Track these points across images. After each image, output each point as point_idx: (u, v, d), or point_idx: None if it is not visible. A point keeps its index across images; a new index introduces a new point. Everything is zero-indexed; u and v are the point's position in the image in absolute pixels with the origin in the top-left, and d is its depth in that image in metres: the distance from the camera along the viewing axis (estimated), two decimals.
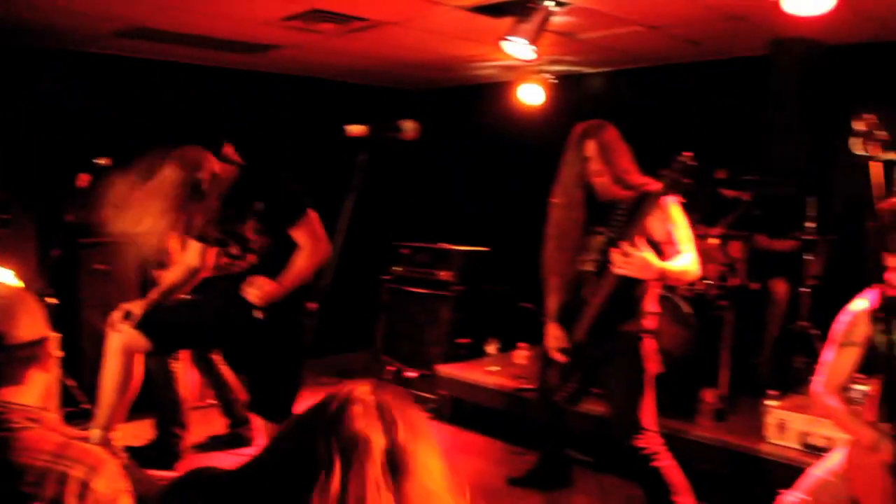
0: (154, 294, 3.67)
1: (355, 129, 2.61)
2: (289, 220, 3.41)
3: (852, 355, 2.91)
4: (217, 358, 4.78)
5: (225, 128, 5.44)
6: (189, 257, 3.72)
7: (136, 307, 3.55)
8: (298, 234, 3.41)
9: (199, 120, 6.08)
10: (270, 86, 6.94)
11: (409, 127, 2.75)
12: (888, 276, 2.93)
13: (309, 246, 3.40)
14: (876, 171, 1.94)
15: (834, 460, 2.99)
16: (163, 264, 4.88)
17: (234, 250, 3.50)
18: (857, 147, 1.96)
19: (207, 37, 5.51)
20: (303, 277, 3.44)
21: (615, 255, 3.16)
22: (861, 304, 2.91)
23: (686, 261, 3.34)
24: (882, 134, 1.95)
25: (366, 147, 2.61)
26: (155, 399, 4.38)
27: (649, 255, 3.17)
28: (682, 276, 3.34)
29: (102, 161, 4.45)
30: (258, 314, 3.38)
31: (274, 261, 3.44)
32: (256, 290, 3.34)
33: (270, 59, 6.33)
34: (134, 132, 5.69)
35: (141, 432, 4.53)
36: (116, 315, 3.57)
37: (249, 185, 3.44)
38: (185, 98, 6.25)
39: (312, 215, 3.44)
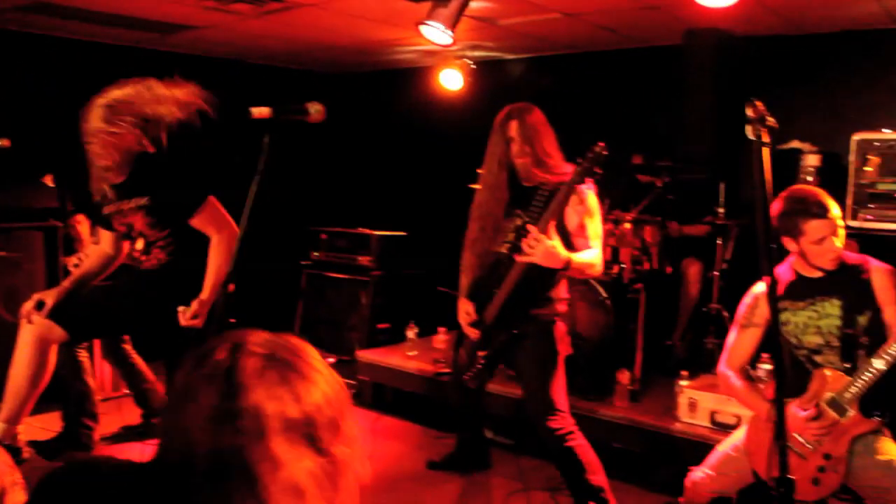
0: (67, 283, 3.54)
1: (259, 111, 2.55)
2: (186, 212, 3.31)
3: (753, 335, 3.03)
4: (128, 347, 4.65)
5: None
6: (104, 245, 3.59)
7: (49, 296, 3.42)
8: (201, 224, 3.31)
9: None
10: (184, 67, 6.72)
11: (315, 109, 2.70)
12: (787, 259, 3.06)
13: (215, 236, 3.30)
14: (766, 156, 2.00)
15: (738, 436, 3.10)
16: (74, 251, 4.74)
17: (140, 244, 3.39)
18: (750, 133, 2.02)
19: (118, 15, 5.33)
20: (224, 272, 3.33)
21: (523, 242, 3.20)
22: (762, 286, 3.03)
23: (592, 255, 3.40)
24: (771, 121, 2.02)
25: (270, 129, 2.55)
26: (62, 390, 4.23)
27: (556, 244, 3.21)
28: (586, 269, 3.39)
29: (1, 143, 4.26)
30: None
31: (185, 253, 3.35)
32: (195, 318, 3.24)
33: (184, 40, 6.17)
34: (37, 112, 5.50)
35: (48, 425, 4.39)
36: (28, 305, 3.43)
37: (139, 178, 3.32)
38: (93, 78, 6.02)
39: (212, 200, 3.35)
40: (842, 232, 2.88)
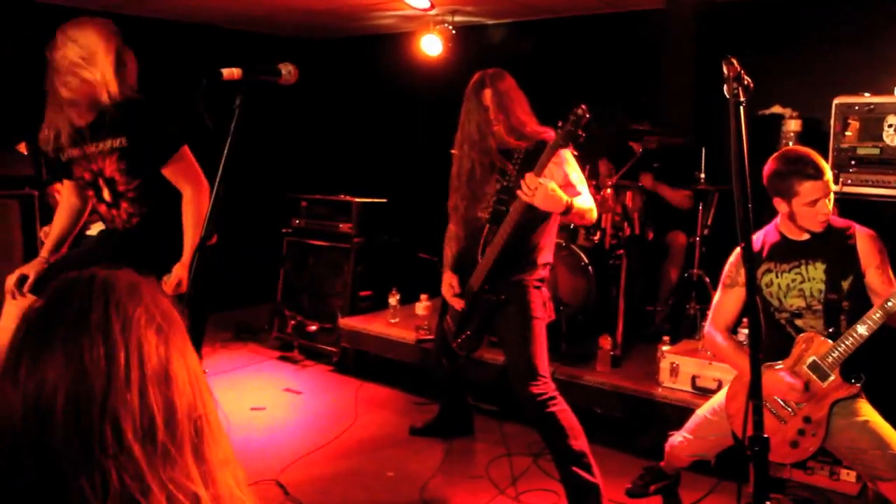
0: (45, 252, 3.42)
1: (230, 72, 2.48)
2: (162, 156, 3.14)
3: (738, 295, 3.04)
4: None
5: None
6: (68, 195, 3.46)
7: (31, 270, 3.31)
8: (175, 175, 3.15)
9: None
10: (158, 33, 6.62)
11: (286, 70, 2.63)
12: (773, 221, 3.06)
13: (189, 189, 3.16)
14: (742, 116, 1.99)
15: (716, 400, 3.13)
16: (51, 221, 4.65)
17: (107, 195, 3.25)
18: (726, 92, 2.01)
19: None
20: (200, 230, 3.22)
21: (523, 183, 3.15)
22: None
23: (587, 200, 3.40)
24: (748, 79, 2.00)
25: (241, 90, 2.49)
26: None
27: (555, 187, 3.17)
28: (585, 214, 3.37)
29: None
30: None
31: (157, 213, 3.23)
32: (179, 285, 3.12)
33: (157, 4, 6.05)
34: (8, 80, 5.40)
35: None
36: (11, 281, 3.33)
37: (115, 119, 3.10)
38: None
39: (187, 150, 3.18)
40: (833, 195, 2.89)
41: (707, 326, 3.18)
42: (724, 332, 3.09)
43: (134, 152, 3.12)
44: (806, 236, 2.95)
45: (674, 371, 4.13)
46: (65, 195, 3.49)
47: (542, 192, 3.12)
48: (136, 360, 0.97)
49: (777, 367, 2.91)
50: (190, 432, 1.00)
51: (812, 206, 2.84)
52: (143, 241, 3.25)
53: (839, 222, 2.96)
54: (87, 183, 3.25)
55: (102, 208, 3.28)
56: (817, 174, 2.81)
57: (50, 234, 3.51)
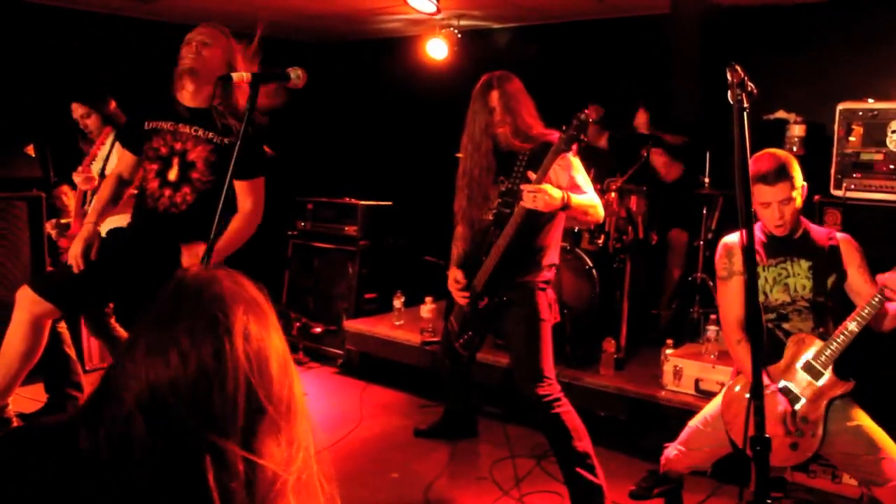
0: (93, 216, 3.39)
1: (240, 76, 2.52)
2: (247, 171, 3.24)
3: (738, 284, 3.04)
4: (112, 321, 4.60)
5: (115, 78, 5.22)
6: (121, 167, 3.48)
7: (91, 240, 3.30)
8: (244, 191, 3.27)
9: (89, 69, 5.83)
10: (164, 36, 6.60)
11: (295, 74, 2.66)
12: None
13: (249, 209, 3.27)
14: (746, 121, 2.02)
15: (708, 410, 3.12)
16: (62, 226, 4.68)
17: (174, 175, 3.28)
18: (730, 97, 2.04)
19: None
20: (239, 243, 3.30)
21: (524, 191, 3.20)
22: (733, 237, 3.11)
23: (589, 197, 3.44)
24: (751, 85, 2.03)
25: (251, 94, 2.52)
26: (43, 362, 4.21)
27: (549, 188, 3.21)
28: (588, 210, 3.40)
29: None
30: None
31: (207, 209, 3.27)
32: (194, 259, 3.17)
33: (163, 7, 6.08)
34: (17, 82, 5.45)
35: (36, 395, 4.39)
36: (77, 250, 3.31)
37: (230, 119, 3.24)
38: (73, 46, 5.95)
39: (263, 178, 3.33)
40: (796, 202, 2.90)
41: (722, 328, 3.16)
42: (740, 331, 3.01)
43: (231, 152, 3.20)
44: (785, 234, 2.98)
45: (677, 374, 4.15)
46: (118, 165, 3.53)
47: (542, 193, 3.18)
48: (267, 347, 1.21)
49: (770, 388, 2.86)
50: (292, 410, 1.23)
51: (764, 207, 2.91)
52: (179, 225, 3.30)
53: (818, 229, 3.04)
54: (157, 156, 3.29)
55: (154, 184, 3.31)
56: (768, 179, 2.85)
57: (96, 200, 3.54)
